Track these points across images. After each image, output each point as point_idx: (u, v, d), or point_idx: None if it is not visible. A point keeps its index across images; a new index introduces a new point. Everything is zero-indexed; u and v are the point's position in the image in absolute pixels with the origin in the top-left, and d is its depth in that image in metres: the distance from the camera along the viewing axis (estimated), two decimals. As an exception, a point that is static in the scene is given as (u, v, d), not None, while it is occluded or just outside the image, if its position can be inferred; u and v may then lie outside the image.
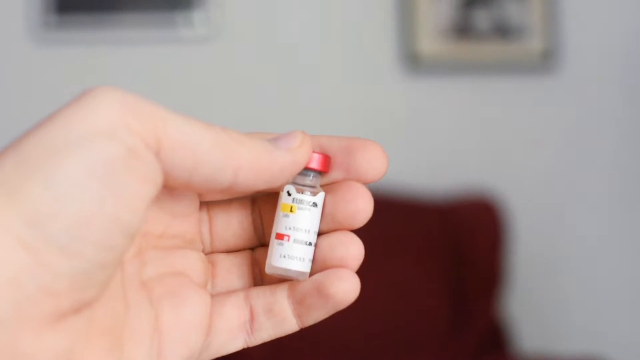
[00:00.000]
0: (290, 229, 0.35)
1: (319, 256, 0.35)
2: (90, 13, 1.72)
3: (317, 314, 0.35)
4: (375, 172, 0.35)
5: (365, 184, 0.35)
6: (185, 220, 0.35)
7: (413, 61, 1.72)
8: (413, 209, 1.61)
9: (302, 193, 0.35)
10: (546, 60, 1.72)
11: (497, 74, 1.74)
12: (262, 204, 0.37)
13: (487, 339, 1.53)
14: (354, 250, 0.34)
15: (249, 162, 0.31)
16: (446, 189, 1.69)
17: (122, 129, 0.28)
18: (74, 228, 0.27)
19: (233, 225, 0.37)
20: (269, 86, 1.73)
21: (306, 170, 0.34)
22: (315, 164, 0.34)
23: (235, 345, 0.35)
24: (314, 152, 0.34)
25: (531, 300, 1.73)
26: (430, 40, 1.71)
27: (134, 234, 0.29)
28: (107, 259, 0.28)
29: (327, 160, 0.35)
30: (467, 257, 1.55)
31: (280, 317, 0.35)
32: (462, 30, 1.72)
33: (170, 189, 0.33)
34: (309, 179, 0.35)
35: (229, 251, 0.37)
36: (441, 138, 1.75)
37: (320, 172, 0.35)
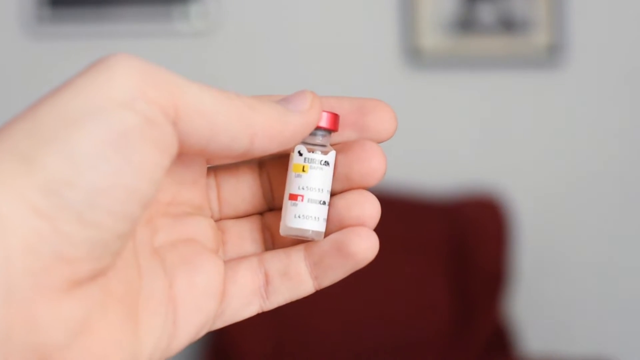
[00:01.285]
0: (303, 188, 0.35)
1: (335, 216, 0.35)
2: (85, 6, 1.72)
3: (336, 274, 0.35)
4: (387, 132, 0.36)
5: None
6: (193, 187, 0.36)
7: (415, 55, 1.72)
8: (415, 207, 1.62)
9: (313, 152, 0.35)
10: (552, 55, 1.72)
11: (502, 69, 1.75)
12: (270, 167, 0.38)
13: (492, 340, 1.53)
14: (371, 209, 0.35)
15: (264, 128, 0.32)
16: (449, 186, 1.69)
17: (140, 98, 0.28)
18: (91, 197, 0.27)
19: (241, 190, 0.38)
20: (267, 81, 1.74)
21: (316, 129, 0.35)
22: (325, 122, 0.35)
23: (250, 310, 0.36)
24: (322, 111, 0.35)
25: (537, 301, 1.73)
26: (433, 34, 1.72)
27: (149, 203, 0.29)
28: (124, 229, 0.28)
29: (336, 118, 0.35)
30: (471, 257, 1.55)
31: (297, 280, 0.36)
32: (466, 23, 1.72)
33: (180, 156, 0.33)
34: (319, 138, 0.36)
35: (238, 217, 0.38)
36: (444, 134, 1.75)
37: (330, 131, 0.36)
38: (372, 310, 1.51)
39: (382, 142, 0.36)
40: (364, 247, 0.35)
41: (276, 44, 1.74)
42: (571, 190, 1.74)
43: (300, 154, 0.35)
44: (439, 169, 1.73)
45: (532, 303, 1.71)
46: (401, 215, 1.56)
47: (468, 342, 1.51)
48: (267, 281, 0.36)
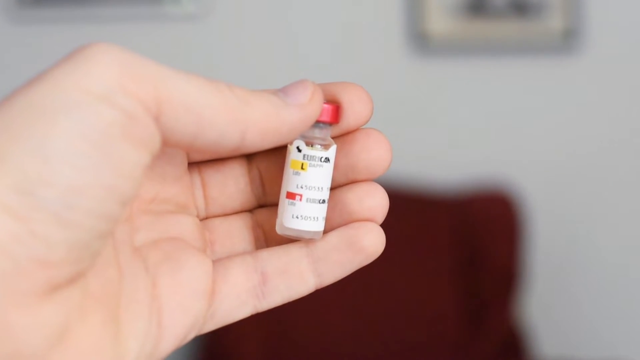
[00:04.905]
0: (302, 187, 0.35)
1: (343, 209, 0.36)
2: (69, -12, 1.72)
3: (342, 270, 0.36)
4: (364, 112, 0.36)
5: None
6: (176, 184, 0.36)
7: (422, 41, 1.72)
8: (421, 202, 1.62)
9: (313, 147, 0.35)
10: (567, 40, 1.72)
11: (514, 55, 1.74)
12: (260, 160, 0.37)
13: (503, 345, 1.53)
14: (381, 201, 0.36)
15: (257, 124, 0.31)
16: (458, 180, 1.69)
17: (119, 91, 0.28)
18: (68, 196, 0.27)
19: (229, 186, 0.37)
20: (262, 67, 1.73)
21: (316, 122, 0.34)
22: (326, 116, 0.34)
23: (244, 311, 0.35)
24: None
25: (551, 303, 1.73)
26: (442, 18, 1.71)
27: (129, 201, 0.29)
28: (103, 228, 0.28)
29: (337, 110, 0.35)
30: (482, 256, 1.55)
31: (298, 278, 0.36)
32: (476, 6, 1.72)
33: (162, 150, 0.33)
34: (320, 132, 0.35)
35: (226, 214, 0.38)
36: (453, 124, 1.75)
37: (331, 124, 0.35)
38: (375, 310, 1.51)
39: (362, 124, 0.36)
40: (377, 241, 0.35)
41: (272, 28, 1.74)
42: (587, 183, 1.74)
43: (299, 150, 0.35)
44: (447, 161, 1.73)
45: (546, 303, 1.71)
46: (406, 210, 1.56)
47: (478, 345, 1.51)
48: (264, 280, 0.35)
